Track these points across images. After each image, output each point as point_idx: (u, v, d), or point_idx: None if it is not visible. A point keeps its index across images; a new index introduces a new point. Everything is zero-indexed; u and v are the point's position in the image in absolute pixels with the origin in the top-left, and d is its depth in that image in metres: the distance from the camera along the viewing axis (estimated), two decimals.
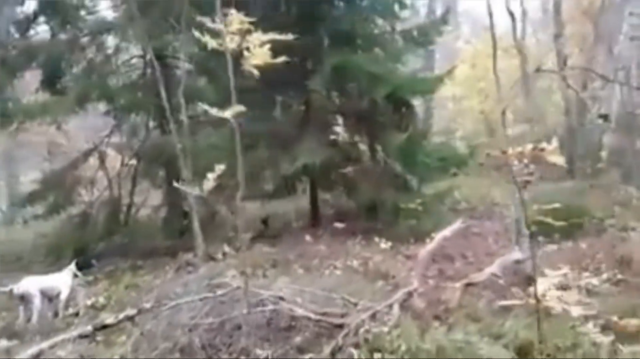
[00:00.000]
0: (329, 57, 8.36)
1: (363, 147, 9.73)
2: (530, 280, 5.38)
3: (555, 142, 2.41)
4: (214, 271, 6.26)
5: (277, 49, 10.14)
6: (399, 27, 10.24)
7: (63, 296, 5.42)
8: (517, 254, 4.83)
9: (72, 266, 5.72)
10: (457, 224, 5.31)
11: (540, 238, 7.27)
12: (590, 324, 3.47)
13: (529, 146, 2.44)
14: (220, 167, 3.53)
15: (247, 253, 7.68)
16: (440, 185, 10.17)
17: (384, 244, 7.81)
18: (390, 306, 4.07)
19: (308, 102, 9.90)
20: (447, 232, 5.06)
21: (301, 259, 7.27)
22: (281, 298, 4.00)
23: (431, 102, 15.15)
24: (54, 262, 7.96)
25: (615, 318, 3.65)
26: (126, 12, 8.84)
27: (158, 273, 6.99)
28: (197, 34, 3.66)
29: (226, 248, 7.26)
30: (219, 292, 4.32)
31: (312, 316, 3.81)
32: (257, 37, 3.54)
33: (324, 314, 3.88)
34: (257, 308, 3.97)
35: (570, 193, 10.38)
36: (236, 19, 3.49)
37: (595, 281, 4.13)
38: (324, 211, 10.59)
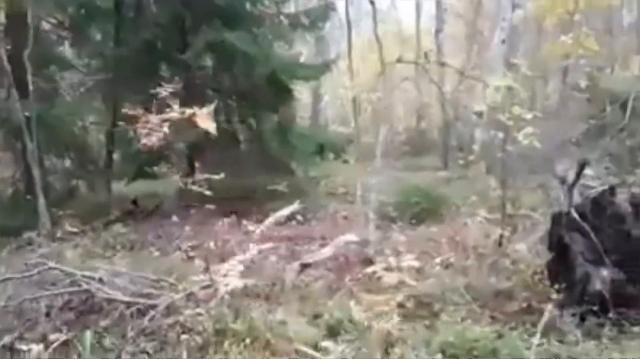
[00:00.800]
0: (204, 34, 8.04)
1: (241, 127, 9.57)
2: (369, 261, 5.66)
3: (210, 108, 2.42)
4: (54, 252, 5.75)
5: (156, 21, 9.39)
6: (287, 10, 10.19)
7: None
8: (351, 236, 4.98)
9: None
10: (294, 206, 5.36)
11: (400, 223, 7.67)
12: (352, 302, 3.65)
13: (178, 112, 2.43)
14: None
15: (101, 233, 7.26)
16: (323, 169, 10.37)
17: (251, 226, 7.73)
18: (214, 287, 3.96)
19: (189, 78, 9.52)
20: (282, 213, 5.09)
21: (160, 241, 6.99)
22: (93, 278, 3.73)
23: (320, 88, 15.31)
24: None
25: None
26: None
27: None
28: None
29: (69, 227, 6.70)
30: (30, 272, 3.93)
31: (125, 298, 3.60)
32: None
33: (139, 296, 3.69)
34: (66, 289, 3.67)
35: (439, 182, 11.09)
36: None
37: (415, 263, 4.32)
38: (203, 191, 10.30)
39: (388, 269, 4.36)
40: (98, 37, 10.04)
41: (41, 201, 6.81)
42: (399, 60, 6.46)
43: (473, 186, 10.76)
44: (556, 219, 4.02)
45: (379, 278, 4.33)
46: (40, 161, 7.81)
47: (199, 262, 5.17)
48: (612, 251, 3.73)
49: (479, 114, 13.74)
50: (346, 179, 11.60)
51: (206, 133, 9.12)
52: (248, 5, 9.41)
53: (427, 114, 16.61)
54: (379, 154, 6.68)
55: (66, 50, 9.12)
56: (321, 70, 10.54)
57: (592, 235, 3.70)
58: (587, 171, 5.45)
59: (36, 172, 6.78)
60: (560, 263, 3.97)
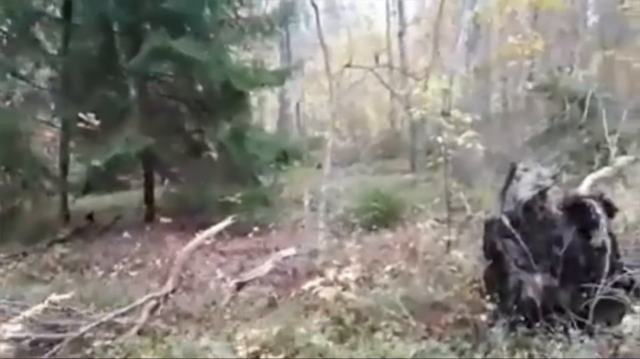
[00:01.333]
0: (150, 41, 7.79)
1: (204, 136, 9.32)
2: (318, 273, 5.45)
3: None
4: None
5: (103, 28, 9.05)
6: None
7: None
8: (290, 251, 4.79)
9: None
10: (227, 221, 5.16)
11: (360, 229, 7.48)
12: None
13: None
14: None
15: (43, 255, 6.95)
16: (288, 176, 10.16)
17: (206, 241, 7.48)
18: (137, 312, 3.75)
19: (142, 86, 9.25)
20: (212, 230, 4.89)
21: (106, 260, 6.71)
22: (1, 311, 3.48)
23: (286, 93, 15.16)
24: None
25: None
26: None
27: None
28: None
29: None
30: None
31: (27, 333, 3.35)
32: None
33: (47, 328, 3.45)
34: None
35: (403, 185, 10.95)
36: None
37: (351, 275, 4.15)
38: (167, 204, 10.03)
39: (326, 283, 4.20)
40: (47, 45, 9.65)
41: None
42: (349, 65, 6.33)
43: (437, 188, 10.70)
44: (489, 225, 3.89)
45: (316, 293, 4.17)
46: None
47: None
48: (544, 258, 3.61)
49: (446, 115, 13.74)
50: (314, 185, 11.41)
51: (164, 143, 8.84)
52: (207, 11, 9.16)
53: (397, 117, 16.55)
54: (329, 161, 6.51)
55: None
56: (282, 76, 10.36)
57: (522, 242, 3.57)
58: (543, 171, 5.36)
59: None
60: (495, 271, 3.84)
